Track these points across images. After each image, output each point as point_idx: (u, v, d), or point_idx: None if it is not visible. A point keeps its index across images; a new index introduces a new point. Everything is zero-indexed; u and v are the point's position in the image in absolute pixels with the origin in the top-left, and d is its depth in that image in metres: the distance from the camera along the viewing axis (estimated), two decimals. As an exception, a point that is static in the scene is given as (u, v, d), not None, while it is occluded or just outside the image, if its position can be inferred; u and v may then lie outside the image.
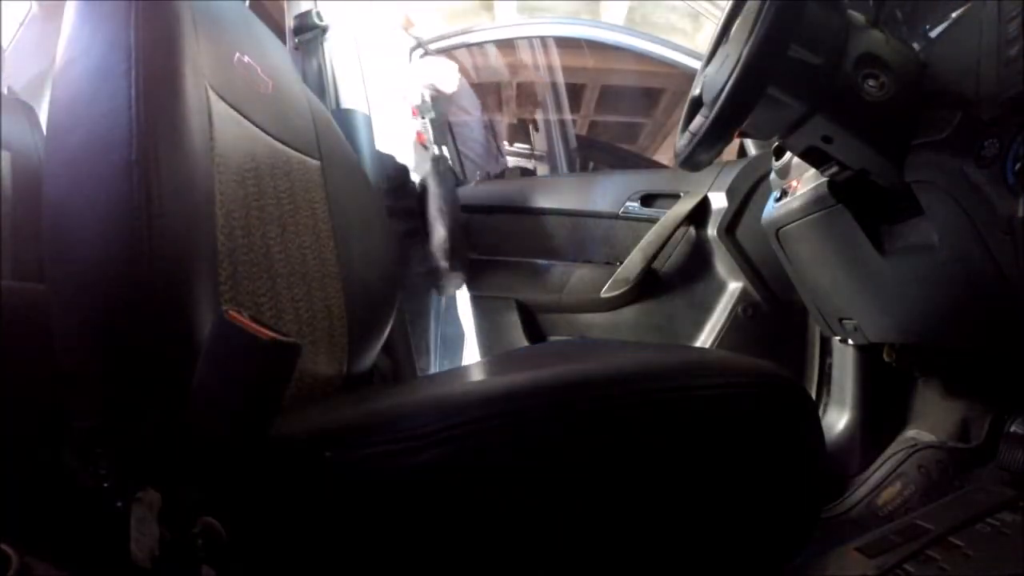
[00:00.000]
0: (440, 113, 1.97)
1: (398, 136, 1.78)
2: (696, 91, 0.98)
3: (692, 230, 1.65)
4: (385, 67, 1.76)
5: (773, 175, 1.28)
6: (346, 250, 0.95)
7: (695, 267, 1.66)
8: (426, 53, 2.05)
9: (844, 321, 1.23)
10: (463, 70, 2.00)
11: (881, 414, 1.30)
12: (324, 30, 1.57)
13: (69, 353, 0.59)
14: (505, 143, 3.12)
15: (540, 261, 1.80)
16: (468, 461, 0.54)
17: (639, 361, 0.62)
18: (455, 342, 2.02)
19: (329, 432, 0.58)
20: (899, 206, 0.93)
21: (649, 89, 5.21)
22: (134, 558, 0.54)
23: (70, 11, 0.62)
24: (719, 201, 1.60)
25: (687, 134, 0.92)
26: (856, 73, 0.82)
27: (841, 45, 0.83)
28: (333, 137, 1.03)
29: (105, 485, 0.55)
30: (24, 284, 0.74)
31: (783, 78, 0.83)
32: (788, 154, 1.21)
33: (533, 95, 2.92)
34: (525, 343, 1.80)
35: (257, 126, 0.81)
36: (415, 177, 1.81)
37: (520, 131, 3.13)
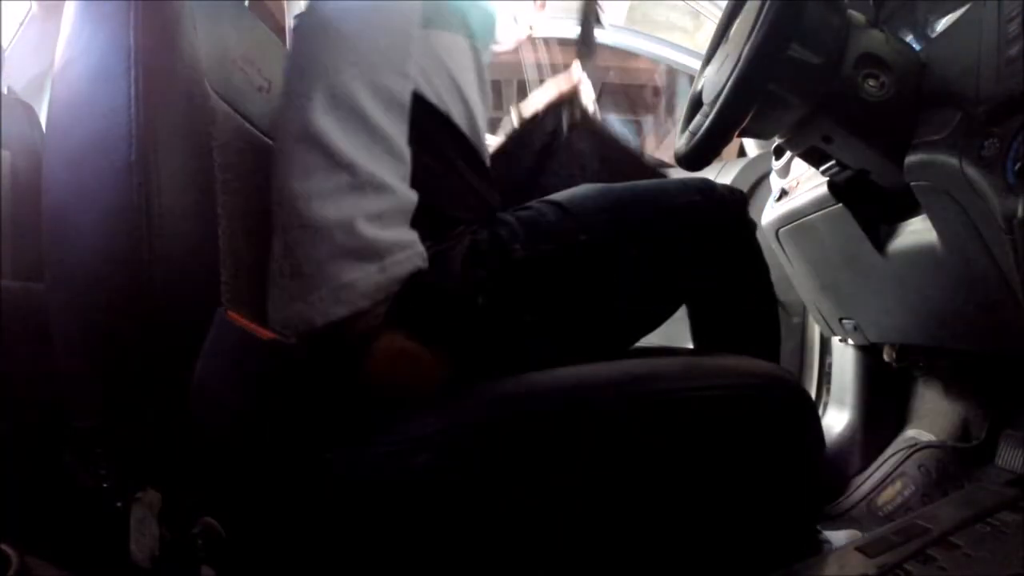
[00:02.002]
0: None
1: None
2: (696, 91, 0.98)
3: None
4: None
5: (773, 175, 1.28)
6: (346, 250, 0.94)
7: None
8: None
9: (844, 321, 1.22)
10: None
11: (881, 414, 1.30)
12: (324, 30, 1.57)
13: (69, 353, 0.59)
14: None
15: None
16: (468, 462, 0.54)
17: (640, 364, 0.62)
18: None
19: (329, 432, 0.57)
20: (899, 206, 0.93)
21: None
22: (134, 558, 0.54)
23: (70, 11, 0.62)
24: (719, 201, 1.59)
25: (687, 134, 0.92)
26: (856, 73, 0.82)
27: (841, 45, 0.83)
28: (333, 137, 1.02)
29: (105, 485, 0.55)
30: (24, 284, 0.74)
31: (783, 78, 0.83)
32: (788, 154, 1.21)
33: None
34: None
35: (256, 126, 0.81)
36: None
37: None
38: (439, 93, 0.73)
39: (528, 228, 0.72)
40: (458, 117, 0.75)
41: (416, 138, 0.69)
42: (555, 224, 0.72)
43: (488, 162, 0.81)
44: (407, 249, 0.64)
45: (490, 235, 0.71)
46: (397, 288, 0.62)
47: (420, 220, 0.66)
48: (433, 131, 0.72)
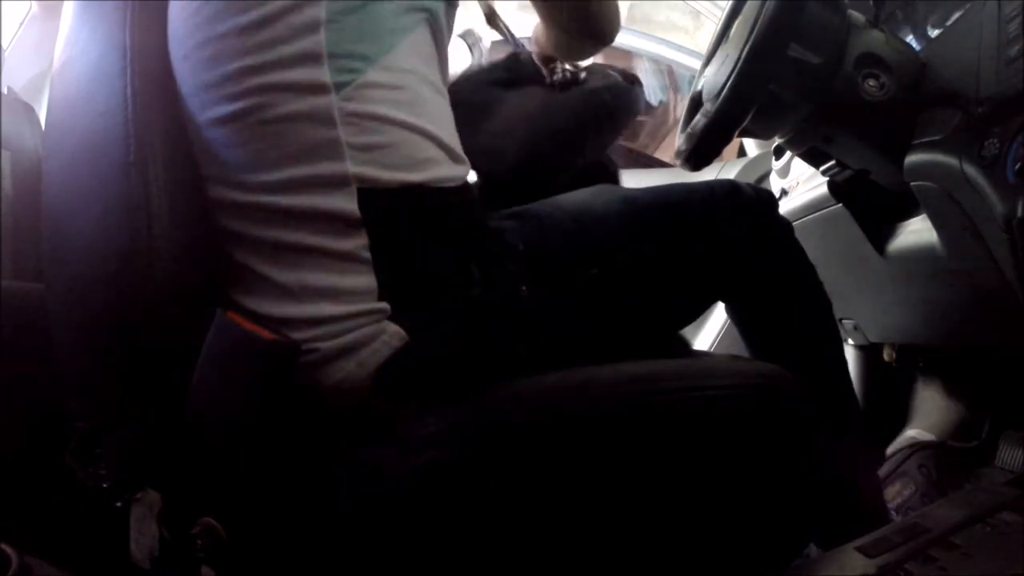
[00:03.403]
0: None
1: None
2: (696, 91, 0.98)
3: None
4: None
5: (773, 175, 1.28)
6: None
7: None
8: None
9: (844, 321, 1.22)
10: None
11: (881, 414, 1.30)
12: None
13: (69, 353, 0.59)
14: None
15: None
16: (469, 463, 0.54)
17: (642, 364, 0.62)
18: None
19: (331, 432, 0.57)
20: (899, 206, 0.93)
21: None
22: (134, 558, 0.54)
23: (68, 11, 0.62)
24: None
25: (687, 134, 0.92)
26: (856, 73, 0.82)
27: (841, 45, 0.83)
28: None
29: (105, 485, 0.55)
30: (24, 284, 0.74)
31: (783, 78, 0.83)
32: (788, 154, 1.21)
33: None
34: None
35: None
36: None
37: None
38: (392, 160, 0.58)
39: (533, 260, 0.64)
40: (423, 166, 0.59)
41: (374, 227, 0.56)
42: (564, 253, 0.66)
43: (468, 172, 0.66)
44: (380, 336, 0.56)
45: (485, 276, 0.61)
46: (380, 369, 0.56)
47: (394, 300, 0.57)
48: (397, 208, 0.58)
